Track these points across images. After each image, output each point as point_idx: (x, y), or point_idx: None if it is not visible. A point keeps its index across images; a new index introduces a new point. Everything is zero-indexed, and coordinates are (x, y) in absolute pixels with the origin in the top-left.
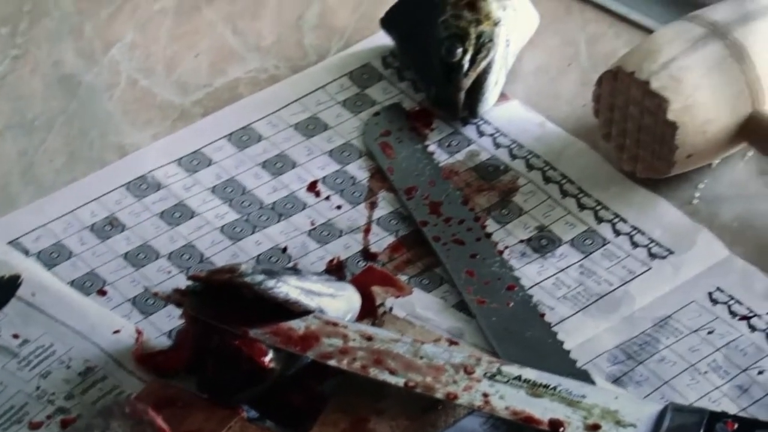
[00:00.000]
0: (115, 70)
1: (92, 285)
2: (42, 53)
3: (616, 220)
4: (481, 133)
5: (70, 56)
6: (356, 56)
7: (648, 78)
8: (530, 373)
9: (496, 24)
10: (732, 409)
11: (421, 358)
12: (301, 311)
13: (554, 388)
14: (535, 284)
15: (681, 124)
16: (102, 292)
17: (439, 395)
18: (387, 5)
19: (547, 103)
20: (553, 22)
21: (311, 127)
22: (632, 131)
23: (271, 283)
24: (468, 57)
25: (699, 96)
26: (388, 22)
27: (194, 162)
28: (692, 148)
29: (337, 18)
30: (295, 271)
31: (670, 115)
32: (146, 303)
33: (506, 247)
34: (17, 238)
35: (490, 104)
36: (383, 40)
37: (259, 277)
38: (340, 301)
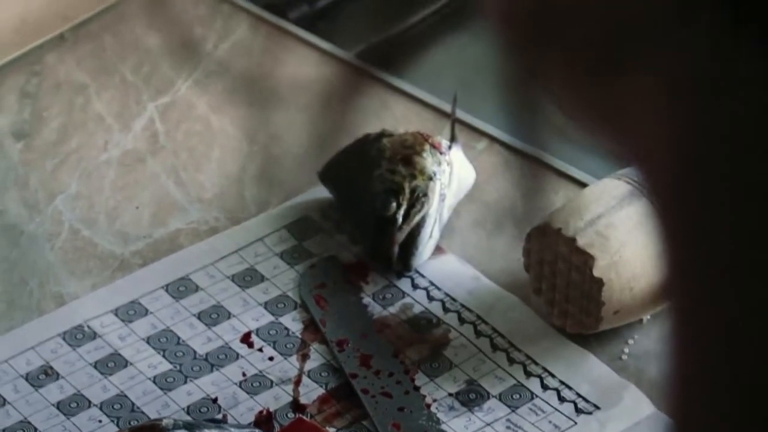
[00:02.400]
0: (58, 220)
1: None
2: None
3: (544, 374)
4: (415, 287)
5: (14, 206)
6: (296, 208)
7: (574, 235)
8: None
9: (430, 179)
10: None
11: None
12: None
13: None
14: None
15: (607, 280)
16: None
17: None
18: (328, 158)
19: (482, 257)
20: (492, 176)
21: (248, 278)
22: (561, 286)
23: None
24: (402, 211)
25: (625, 253)
26: (326, 176)
27: (131, 312)
28: (619, 305)
29: (279, 171)
30: (218, 424)
31: (596, 272)
32: None
33: (434, 401)
34: None
35: (424, 258)
36: (323, 192)
37: None
38: None
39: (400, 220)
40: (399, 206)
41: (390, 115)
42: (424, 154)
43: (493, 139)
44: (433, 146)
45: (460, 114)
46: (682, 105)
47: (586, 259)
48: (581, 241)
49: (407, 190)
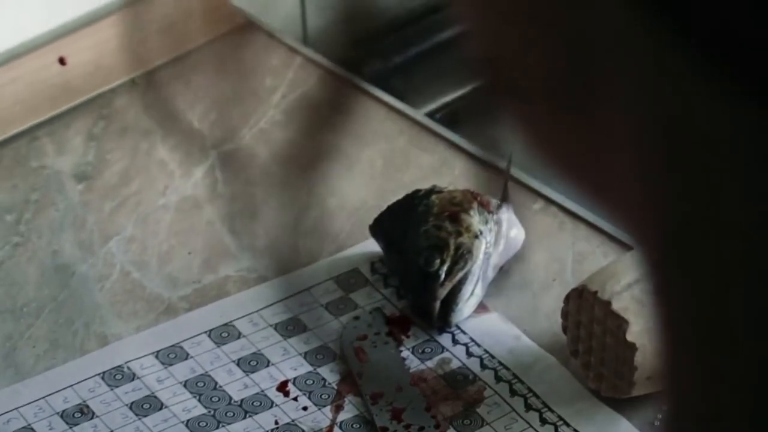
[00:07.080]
0: (110, 262)
1: None
2: (42, 242)
3: None
4: (455, 342)
5: (69, 246)
6: (345, 261)
7: (610, 298)
8: None
9: (476, 237)
10: None
11: None
12: None
13: None
14: None
15: (640, 345)
16: None
17: None
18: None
19: (526, 317)
20: (544, 237)
21: (291, 327)
22: (597, 350)
23: None
24: (445, 267)
25: None
26: (376, 229)
27: (171, 355)
28: (652, 371)
29: (333, 223)
30: None
31: (630, 337)
32: None
33: None
34: None
35: (464, 315)
36: (374, 246)
37: None
38: None
39: (443, 276)
40: (443, 262)
41: (449, 172)
42: (472, 212)
43: (548, 200)
44: (482, 204)
45: (518, 175)
46: (651, 147)
47: (621, 323)
48: (616, 305)
49: (452, 247)
